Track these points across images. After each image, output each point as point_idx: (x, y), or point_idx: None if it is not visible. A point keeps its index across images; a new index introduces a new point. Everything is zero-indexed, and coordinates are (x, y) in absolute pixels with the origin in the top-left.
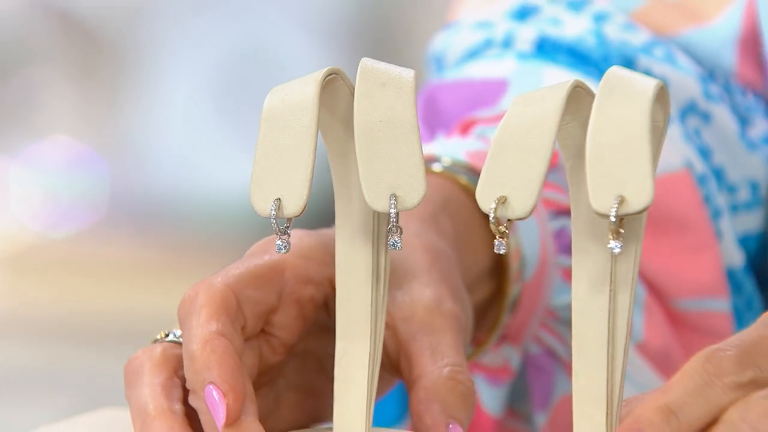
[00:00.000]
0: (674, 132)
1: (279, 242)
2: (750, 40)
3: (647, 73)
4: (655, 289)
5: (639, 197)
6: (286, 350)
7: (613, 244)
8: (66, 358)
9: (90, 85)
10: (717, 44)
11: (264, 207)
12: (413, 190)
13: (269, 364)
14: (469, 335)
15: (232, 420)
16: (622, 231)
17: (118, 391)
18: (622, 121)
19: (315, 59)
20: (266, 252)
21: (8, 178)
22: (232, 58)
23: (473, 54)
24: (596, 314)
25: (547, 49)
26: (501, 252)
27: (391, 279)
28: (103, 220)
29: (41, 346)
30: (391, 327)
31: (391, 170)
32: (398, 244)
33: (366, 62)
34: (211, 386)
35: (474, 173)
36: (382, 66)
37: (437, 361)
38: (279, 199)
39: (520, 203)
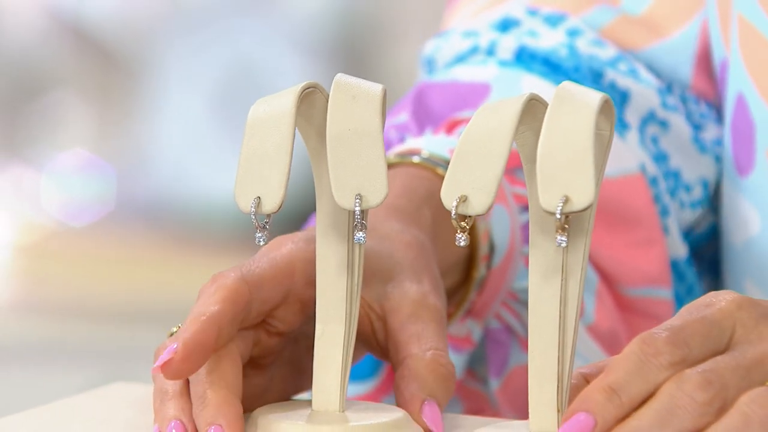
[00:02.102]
0: (632, 139)
1: (258, 235)
2: (704, 55)
3: (612, 84)
4: (606, 278)
5: (582, 197)
6: (282, 337)
7: (559, 238)
8: (80, 336)
9: (104, 104)
10: (675, 59)
11: (245, 204)
12: (376, 191)
13: (265, 347)
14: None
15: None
16: (567, 227)
17: (129, 366)
18: (569, 130)
19: (302, 73)
20: (280, 249)
21: (35, 183)
22: (227, 75)
23: (460, 59)
24: (549, 300)
25: (525, 58)
26: (461, 245)
27: (380, 273)
28: (112, 214)
29: (57, 324)
30: (381, 318)
31: (357, 173)
32: (362, 239)
33: (340, 77)
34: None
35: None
36: (354, 81)
37: (422, 346)
38: (259, 197)
39: (479, 201)
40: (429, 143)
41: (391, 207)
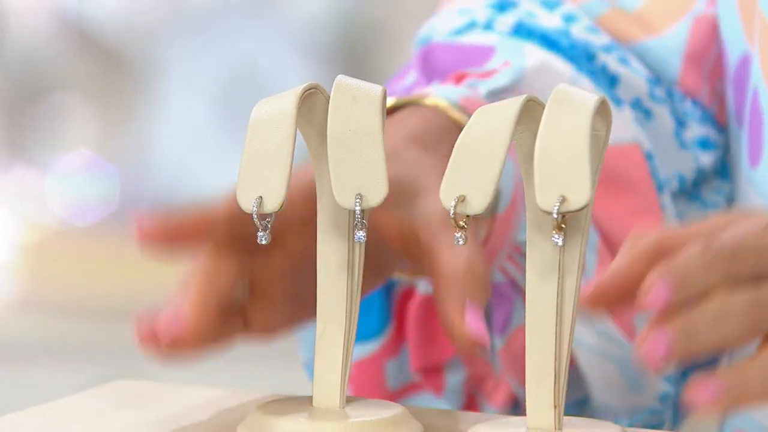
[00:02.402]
0: (626, 114)
1: (260, 234)
2: (694, 53)
3: (603, 67)
4: (606, 239)
5: (578, 197)
6: (289, 261)
7: (555, 237)
8: (82, 334)
9: (107, 105)
10: (664, 55)
11: (247, 204)
12: (376, 191)
13: (270, 270)
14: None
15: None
16: (564, 226)
17: (130, 364)
18: (566, 130)
19: (302, 75)
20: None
21: (39, 183)
22: (229, 76)
23: (458, 32)
24: (546, 298)
25: (522, 33)
26: (460, 244)
27: (406, 193)
28: (116, 214)
29: (60, 323)
30: (413, 235)
31: (357, 173)
32: (362, 238)
33: (340, 79)
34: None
35: (464, 112)
36: (354, 82)
37: (456, 255)
38: (260, 197)
39: (477, 201)
40: (437, 90)
41: (412, 136)
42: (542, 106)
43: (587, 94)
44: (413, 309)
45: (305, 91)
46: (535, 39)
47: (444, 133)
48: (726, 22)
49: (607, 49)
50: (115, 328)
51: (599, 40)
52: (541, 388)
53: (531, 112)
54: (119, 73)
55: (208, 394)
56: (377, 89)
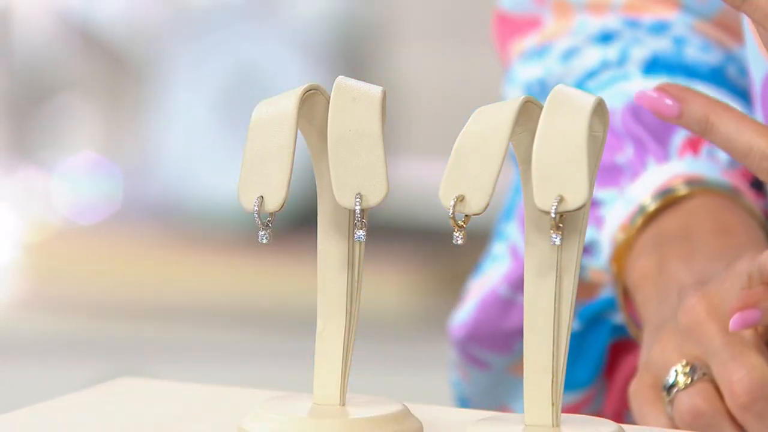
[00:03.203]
0: None
1: (261, 233)
2: None
3: (733, 86)
4: None
5: (576, 197)
6: None
7: (553, 237)
8: (87, 332)
9: (111, 106)
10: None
11: (249, 203)
12: (376, 191)
13: None
14: None
15: None
16: (561, 226)
17: (134, 362)
18: (564, 131)
19: (303, 76)
20: None
21: (44, 183)
22: (231, 78)
23: (591, 74)
24: (544, 297)
25: (659, 67)
26: (459, 243)
27: None
28: (119, 213)
29: (64, 320)
30: None
31: (357, 173)
32: (362, 237)
33: (340, 80)
34: None
35: (738, 192)
36: (354, 83)
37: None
38: (261, 196)
39: (476, 201)
40: (701, 168)
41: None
42: (540, 107)
43: (585, 95)
44: (629, 360)
45: (306, 92)
46: (680, 72)
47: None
48: (749, 44)
49: (726, 63)
50: (118, 326)
51: (716, 57)
52: (539, 385)
53: (529, 113)
54: (123, 74)
55: (209, 392)
56: (377, 90)
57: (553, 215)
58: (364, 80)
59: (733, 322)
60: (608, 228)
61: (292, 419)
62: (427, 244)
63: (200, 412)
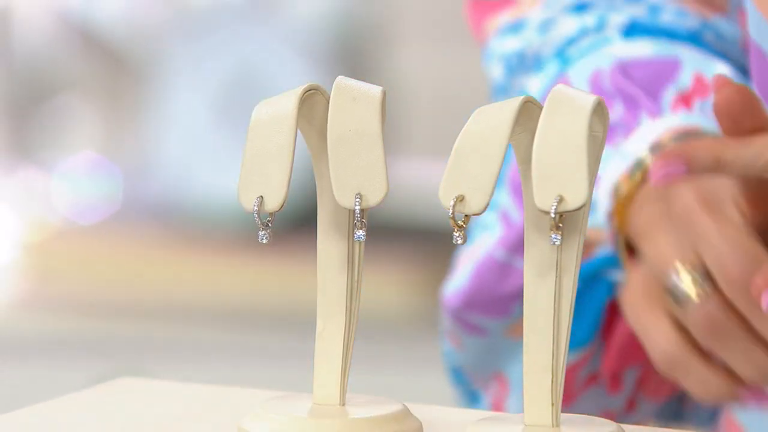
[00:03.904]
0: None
1: (261, 233)
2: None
3: (711, 48)
4: None
5: (576, 197)
6: None
7: (553, 237)
8: (87, 332)
9: (111, 106)
10: (732, 34)
11: (248, 203)
12: (376, 190)
13: None
14: None
15: None
16: (561, 226)
17: (135, 361)
18: (564, 131)
19: (303, 76)
20: None
21: (45, 183)
22: (231, 78)
23: (571, 41)
24: (544, 296)
25: (638, 31)
26: (459, 243)
27: None
28: (119, 213)
29: (64, 320)
30: None
31: (357, 173)
32: (362, 237)
33: (340, 80)
34: None
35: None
36: (354, 83)
37: None
38: (261, 196)
39: (476, 201)
40: (696, 120)
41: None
42: (540, 107)
43: (585, 95)
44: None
45: (306, 92)
46: (660, 35)
47: None
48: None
49: (703, 29)
50: (119, 326)
51: (693, 21)
52: (539, 385)
53: (529, 113)
54: (123, 75)
55: (209, 392)
56: (377, 90)
57: (552, 215)
58: (364, 80)
59: (765, 300)
60: (605, 185)
61: (292, 419)
62: (427, 244)
63: (200, 412)
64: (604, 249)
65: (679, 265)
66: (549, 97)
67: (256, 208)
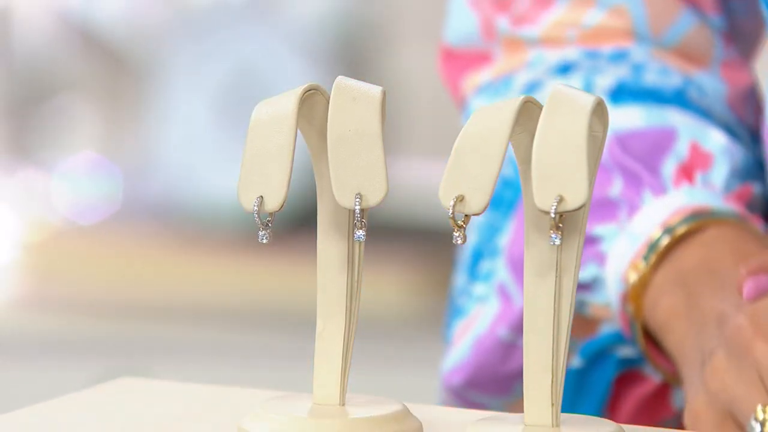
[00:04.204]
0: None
1: (261, 233)
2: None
3: (697, 108)
4: None
5: (575, 197)
6: None
7: (553, 237)
8: (87, 332)
9: (111, 107)
10: (714, 88)
11: (248, 203)
12: (376, 191)
13: None
14: None
15: None
16: (561, 226)
17: (135, 361)
18: (564, 131)
19: (303, 76)
20: None
21: (45, 183)
22: (231, 78)
23: None
24: (544, 297)
25: (625, 94)
26: (459, 243)
27: None
28: (119, 213)
29: (65, 320)
30: None
31: (357, 173)
32: (362, 237)
33: (340, 80)
34: None
35: (748, 220)
36: (354, 83)
37: None
38: (261, 196)
39: (476, 201)
40: (703, 198)
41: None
42: (540, 107)
43: (584, 95)
44: (636, 392)
45: (306, 92)
46: (647, 99)
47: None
48: None
49: (687, 87)
50: (119, 326)
51: (676, 79)
52: (539, 385)
53: (529, 113)
54: (123, 75)
55: (209, 392)
56: (377, 90)
57: (552, 215)
58: (364, 80)
59: (747, 291)
60: (614, 265)
61: (292, 419)
62: (427, 244)
63: (200, 412)
64: (609, 326)
65: (759, 411)
66: (549, 98)
67: (256, 208)
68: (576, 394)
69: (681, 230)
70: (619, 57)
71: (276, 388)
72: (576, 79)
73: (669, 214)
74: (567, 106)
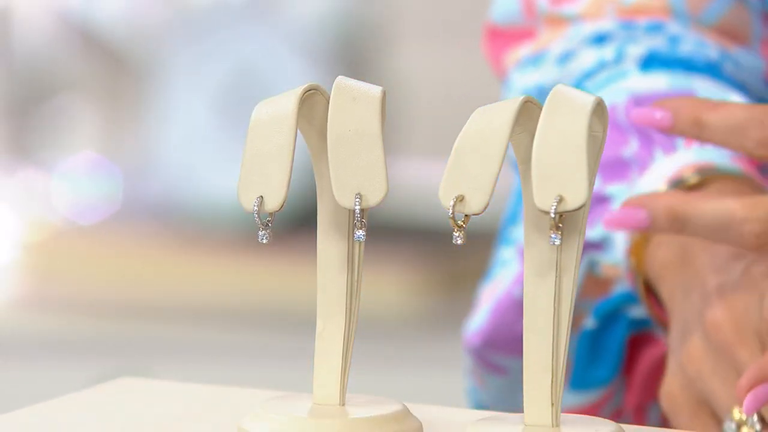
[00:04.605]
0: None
1: (261, 233)
2: None
3: (731, 80)
4: None
5: (575, 197)
6: None
7: (553, 237)
8: (87, 332)
9: (111, 107)
10: (754, 65)
11: (248, 203)
12: (376, 190)
13: None
14: None
15: None
16: (561, 226)
17: (135, 361)
18: (564, 131)
19: (303, 76)
20: None
21: (45, 183)
22: (231, 78)
23: (588, 75)
24: (544, 297)
25: (656, 63)
26: (458, 243)
27: None
28: (119, 213)
29: (65, 320)
30: None
31: (357, 173)
32: (362, 237)
33: (340, 80)
34: None
35: (754, 178)
36: (354, 83)
37: None
38: (261, 196)
39: (476, 201)
40: (712, 156)
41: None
42: (540, 107)
43: (584, 95)
44: (649, 353)
45: (305, 92)
46: (678, 66)
47: None
48: None
49: (723, 60)
50: (119, 326)
51: (712, 52)
52: (539, 385)
53: (529, 113)
54: (123, 75)
55: (209, 392)
56: (377, 90)
57: (552, 215)
58: (364, 80)
59: (747, 405)
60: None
61: (292, 419)
62: (427, 244)
63: (200, 412)
64: (622, 286)
65: (736, 412)
66: (549, 98)
67: (256, 208)
68: (591, 356)
69: (685, 184)
70: (655, 28)
71: (276, 388)
72: (609, 49)
73: (675, 170)
74: (567, 106)
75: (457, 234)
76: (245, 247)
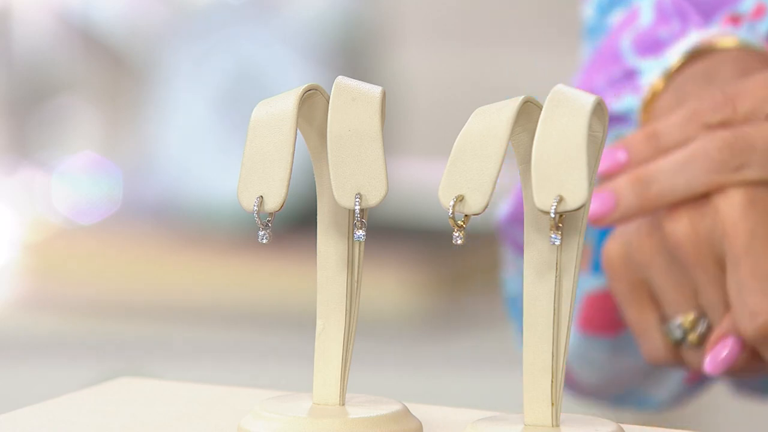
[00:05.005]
0: None
1: (261, 233)
2: None
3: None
4: None
5: (575, 197)
6: None
7: (553, 237)
8: (87, 332)
9: (112, 107)
10: None
11: (248, 203)
12: (376, 190)
13: None
14: None
15: None
16: (561, 226)
17: (134, 362)
18: (563, 131)
19: (303, 76)
20: None
21: (45, 183)
22: (231, 78)
23: None
24: (543, 297)
25: None
26: (458, 243)
27: None
28: (119, 213)
29: (64, 320)
30: None
31: (357, 173)
32: (362, 237)
33: (340, 80)
34: None
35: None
36: (354, 83)
37: None
38: (261, 196)
39: (475, 201)
40: (726, 33)
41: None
42: (539, 107)
43: (584, 95)
44: None
45: (305, 92)
46: None
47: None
48: None
49: None
50: (119, 326)
51: None
52: (539, 385)
53: (528, 113)
54: (124, 75)
55: (209, 392)
56: (376, 90)
57: (552, 215)
58: (364, 80)
59: (709, 365)
60: (642, 94)
61: (292, 419)
62: (427, 244)
63: (200, 412)
64: None
65: (687, 320)
66: (548, 98)
67: (256, 208)
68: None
69: (699, 49)
70: None
71: (276, 388)
72: None
73: (696, 42)
74: (567, 106)
75: (456, 234)
76: (245, 247)
